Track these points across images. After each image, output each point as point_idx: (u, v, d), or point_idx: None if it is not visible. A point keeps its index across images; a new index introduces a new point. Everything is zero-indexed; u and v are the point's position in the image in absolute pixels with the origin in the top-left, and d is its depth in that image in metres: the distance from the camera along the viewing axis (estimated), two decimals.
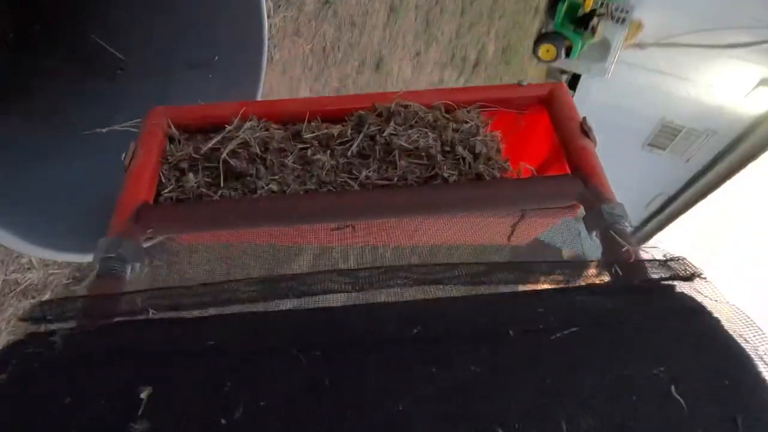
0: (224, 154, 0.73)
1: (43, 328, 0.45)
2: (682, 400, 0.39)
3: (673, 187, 8.47)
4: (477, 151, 0.75)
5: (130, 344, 0.44)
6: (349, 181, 0.73)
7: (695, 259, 0.49)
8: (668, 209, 8.73)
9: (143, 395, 0.38)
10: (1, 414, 0.38)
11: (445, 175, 0.73)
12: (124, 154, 0.74)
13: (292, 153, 0.75)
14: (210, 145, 0.74)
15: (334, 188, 0.74)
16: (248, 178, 0.73)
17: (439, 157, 0.74)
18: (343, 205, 0.69)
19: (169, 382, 0.40)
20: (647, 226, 9.05)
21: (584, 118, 0.76)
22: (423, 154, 0.74)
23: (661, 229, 8.91)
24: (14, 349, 0.43)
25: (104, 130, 1.11)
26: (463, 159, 0.75)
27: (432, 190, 0.71)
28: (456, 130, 0.77)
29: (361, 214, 0.70)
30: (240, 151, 0.74)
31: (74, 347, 0.43)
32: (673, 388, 0.39)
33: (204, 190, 0.73)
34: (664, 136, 7.83)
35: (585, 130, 0.74)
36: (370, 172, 0.74)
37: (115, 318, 0.48)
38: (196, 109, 0.81)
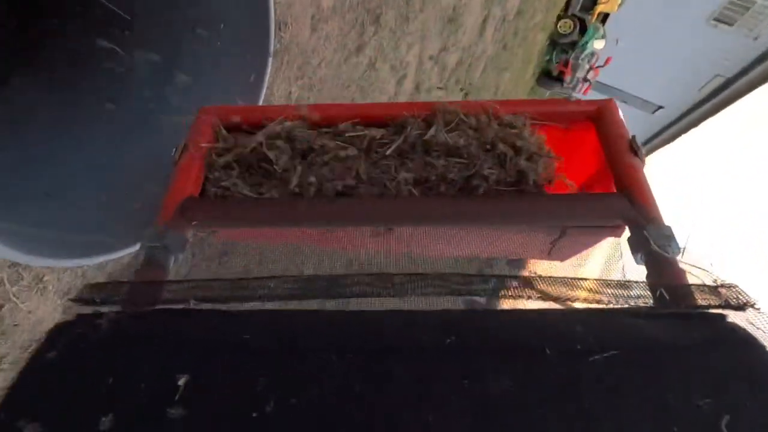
0: (265, 148, 0.74)
1: (91, 310, 0.47)
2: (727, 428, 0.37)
3: (734, 68, 7.70)
4: (518, 146, 0.73)
5: (170, 332, 0.46)
6: (387, 182, 0.73)
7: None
8: (724, 93, 8.03)
9: (181, 382, 0.39)
10: (50, 388, 0.40)
11: (485, 173, 0.71)
12: (174, 149, 0.77)
13: (332, 152, 0.76)
14: (254, 143, 0.76)
15: (371, 187, 0.74)
16: (287, 172, 0.74)
17: (480, 154, 0.73)
18: (381, 212, 0.70)
19: (205, 372, 0.41)
20: (699, 109, 8.35)
21: (633, 137, 0.74)
22: (463, 152, 0.73)
23: (714, 114, 8.20)
24: (64, 328, 0.45)
25: (113, 106, 1.13)
26: (505, 155, 0.73)
27: (471, 200, 0.70)
28: (499, 131, 0.76)
29: (398, 220, 0.70)
30: (282, 145, 0.75)
31: (118, 330, 0.45)
32: (721, 422, 0.37)
33: (247, 187, 0.75)
34: (734, 9, 7.09)
35: (634, 149, 0.71)
36: (407, 173, 0.73)
37: (158, 305, 0.50)
38: (243, 108, 0.83)
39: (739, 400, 0.39)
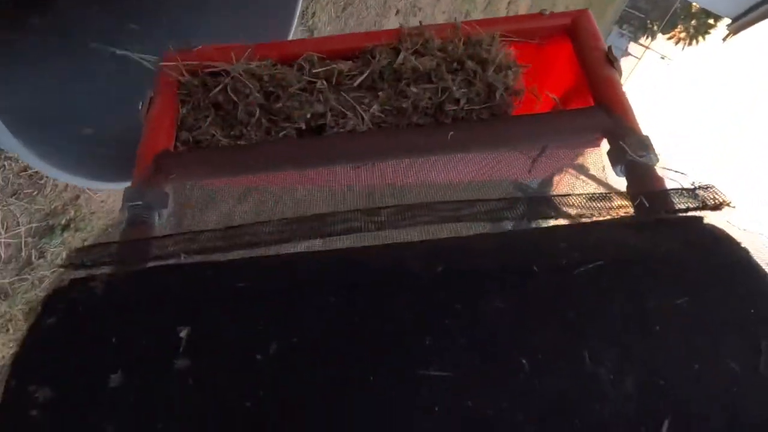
0: (230, 91, 0.72)
1: (82, 273, 0.47)
2: (705, 330, 0.39)
3: None
4: (485, 58, 0.72)
5: (165, 288, 0.46)
6: (359, 114, 0.72)
7: None
8: None
9: (182, 334, 0.40)
10: (54, 353, 0.40)
11: (457, 95, 0.70)
12: (140, 103, 0.74)
13: (298, 85, 0.74)
14: (220, 86, 0.73)
15: (343, 119, 0.72)
16: (252, 114, 0.73)
17: (449, 76, 0.71)
18: (360, 147, 0.69)
19: (205, 321, 0.42)
20: (750, 14, 8.15)
21: (609, 48, 0.72)
22: (432, 77, 0.72)
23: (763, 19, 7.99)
24: (59, 294, 0.45)
25: (118, 52, 1.11)
26: (474, 72, 0.72)
27: (446, 128, 0.69)
28: (466, 50, 0.74)
29: (377, 155, 0.70)
30: (249, 84, 0.73)
31: (113, 292, 0.45)
32: (696, 317, 0.40)
33: (219, 132, 0.73)
34: None
35: (610, 60, 0.70)
36: (378, 105, 0.72)
37: (149, 263, 0.50)
38: (206, 51, 0.79)
39: (717, 296, 0.41)
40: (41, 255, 1.26)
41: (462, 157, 0.77)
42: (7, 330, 1.25)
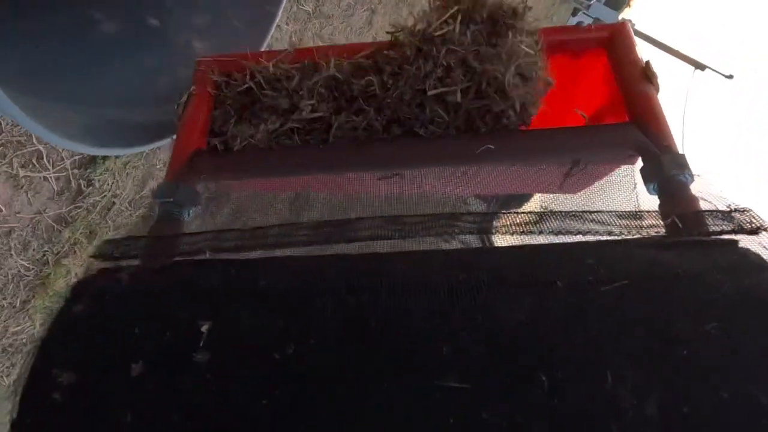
0: (256, 89, 0.74)
1: (111, 264, 0.49)
2: (735, 358, 0.37)
3: None
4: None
5: (189, 282, 0.47)
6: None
7: None
8: None
9: (203, 328, 0.41)
10: (80, 339, 0.42)
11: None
12: (176, 104, 0.77)
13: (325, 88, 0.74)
14: (245, 86, 0.75)
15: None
16: (287, 114, 0.74)
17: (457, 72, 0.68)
18: (389, 155, 0.69)
19: (226, 317, 0.42)
20: None
21: (647, 63, 0.71)
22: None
23: None
24: (87, 283, 0.46)
25: (155, 22, 1.14)
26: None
27: (479, 138, 0.69)
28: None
29: (406, 163, 0.70)
30: (277, 85, 0.75)
31: (139, 284, 0.47)
32: (726, 345, 0.38)
33: (251, 132, 0.74)
34: None
35: (648, 76, 0.69)
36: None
37: (175, 257, 0.51)
38: (239, 56, 0.81)
39: (750, 324, 0.39)
40: (89, 183, 1.36)
41: (491, 170, 0.76)
42: (74, 252, 1.37)
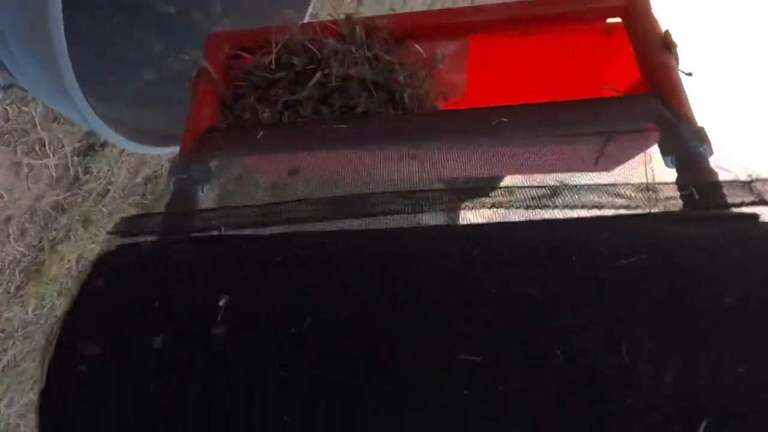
0: (273, 63, 0.73)
1: (129, 240, 0.49)
2: (754, 333, 0.37)
3: None
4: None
5: (206, 258, 0.48)
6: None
7: None
8: None
9: (221, 303, 0.41)
10: (101, 312, 0.43)
11: None
12: (188, 81, 0.76)
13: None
14: (266, 60, 0.74)
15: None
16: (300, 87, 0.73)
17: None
18: (406, 128, 0.68)
19: (242, 292, 0.43)
20: None
21: (667, 32, 0.68)
22: None
23: None
24: (107, 258, 0.47)
25: (172, 11, 1.14)
26: None
27: (496, 110, 0.68)
28: None
29: (423, 137, 0.69)
30: (292, 60, 0.74)
31: (157, 259, 0.47)
32: (745, 319, 0.38)
33: (264, 110, 0.74)
34: None
35: (668, 45, 0.67)
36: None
37: (191, 233, 0.51)
38: (250, 32, 0.80)
39: (764, 294, 0.39)
40: (87, 171, 1.40)
41: (521, 150, 0.75)
42: (69, 238, 1.41)
